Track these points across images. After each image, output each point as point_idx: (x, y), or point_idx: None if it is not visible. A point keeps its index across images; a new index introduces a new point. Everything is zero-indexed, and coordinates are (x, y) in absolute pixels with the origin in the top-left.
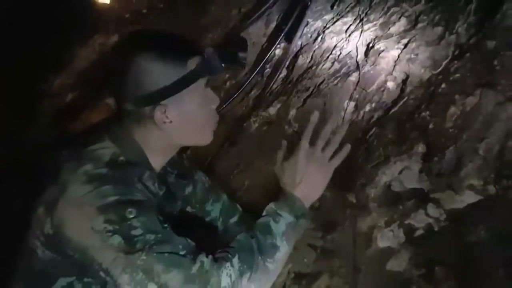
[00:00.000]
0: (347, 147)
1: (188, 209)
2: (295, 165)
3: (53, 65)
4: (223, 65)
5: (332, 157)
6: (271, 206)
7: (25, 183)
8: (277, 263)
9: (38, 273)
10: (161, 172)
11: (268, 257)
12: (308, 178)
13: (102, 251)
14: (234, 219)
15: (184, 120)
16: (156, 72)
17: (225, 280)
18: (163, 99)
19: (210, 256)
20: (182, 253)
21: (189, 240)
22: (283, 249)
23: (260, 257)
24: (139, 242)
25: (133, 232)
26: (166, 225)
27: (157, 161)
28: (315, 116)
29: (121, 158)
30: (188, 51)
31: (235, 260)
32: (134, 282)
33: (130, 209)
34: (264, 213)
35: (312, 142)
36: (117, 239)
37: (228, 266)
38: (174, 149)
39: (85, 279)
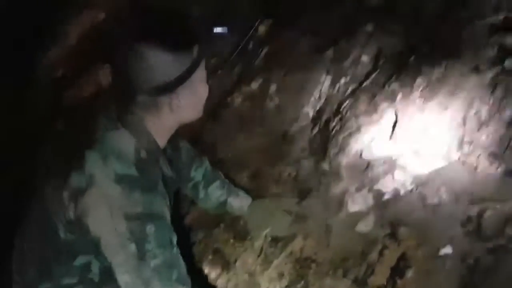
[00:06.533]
0: None
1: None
2: None
3: (46, 37)
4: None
5: None
6: None
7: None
8: None
9: (60, 250)
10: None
11: None
12: None
13: (116, 251)
14: (215, 184)
15: (193, 100)
16: (168, 63)
17: None
18: (178, 87)
19: None
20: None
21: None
22: None
23: None
24: (148, 255)
25: (147, 246)
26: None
27: (163, 143)
28: None
29: (143, 152)
30: (191, 38)
31: None
32: (132, 285)
33: (150, 226)
34: None
35: None
36: (132, 247)
37: None
38: (176, 127)
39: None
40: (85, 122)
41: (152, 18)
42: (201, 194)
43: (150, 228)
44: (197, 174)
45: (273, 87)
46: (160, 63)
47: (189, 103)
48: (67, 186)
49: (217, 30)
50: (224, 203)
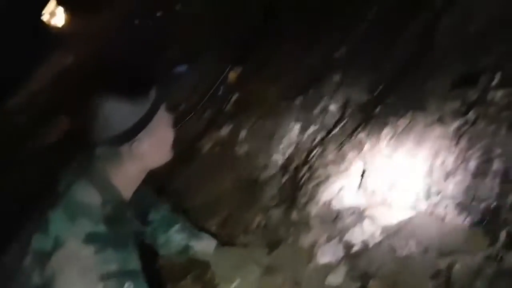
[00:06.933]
0: None
1: None
2: None
3: (9, 84)
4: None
5: None
6: None
7: None
8: None
9: None
10: None
11: None
12: None
13: None
14: (175, 228)
15: (156, 145)
16: (125, 111)
17: None
18: (138, 133)
19: None
20: None
21: None
22: None
23: None
24: None
25: None
26: None
27: (130, 194)
28: None
29: (109, 207)
30: (147, 82)
31: None
32: None
33: (128, 283)
34: None
35: None
36: None
37: None
38: (143, 175)
39: None
40: (45, 175)
41: (105, 68)
42: (161, 239)
43: (128, 286)
44: (155, 217)
45: (242, 133)
46: (117, 111)
47: (153, 148)
48: (29, 250)
49: (177, 70)
50: (186, 248)
